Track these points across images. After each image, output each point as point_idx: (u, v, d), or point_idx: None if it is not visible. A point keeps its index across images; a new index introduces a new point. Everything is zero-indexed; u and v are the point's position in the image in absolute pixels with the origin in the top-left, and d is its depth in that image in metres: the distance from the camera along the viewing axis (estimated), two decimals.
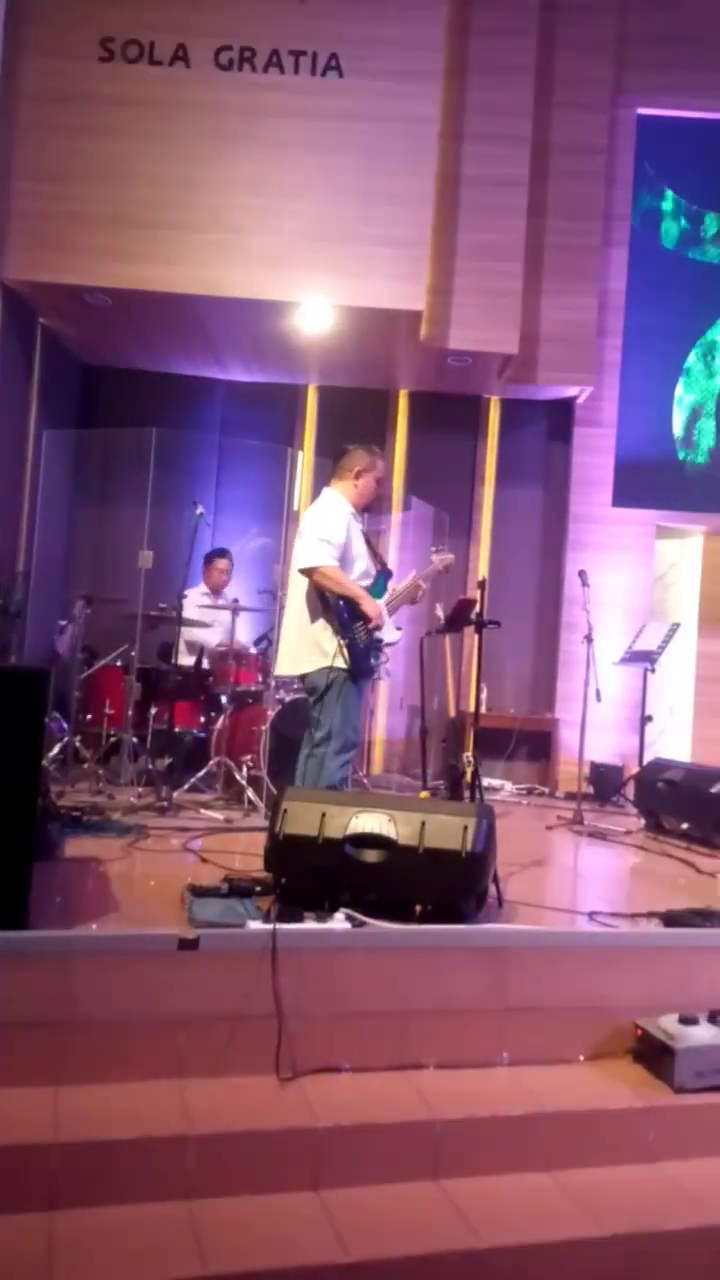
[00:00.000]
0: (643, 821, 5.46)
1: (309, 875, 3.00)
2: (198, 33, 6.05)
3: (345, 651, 3.87)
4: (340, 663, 3.89)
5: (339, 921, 2.81)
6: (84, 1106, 2.32)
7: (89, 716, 5.56)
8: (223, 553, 6.40)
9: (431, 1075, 2.65)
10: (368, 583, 4.08)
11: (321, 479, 4.32)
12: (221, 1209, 2.20)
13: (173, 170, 6.01)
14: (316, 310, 6.23)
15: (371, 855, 2.97)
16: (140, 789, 5.12)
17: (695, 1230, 2.32)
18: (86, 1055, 2.44)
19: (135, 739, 5.48)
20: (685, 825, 5.01)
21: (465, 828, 2.95)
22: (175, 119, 6.03)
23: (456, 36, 6.42)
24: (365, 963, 2.71)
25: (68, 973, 2.48)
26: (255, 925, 2.71)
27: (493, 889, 3.22)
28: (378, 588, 4.11)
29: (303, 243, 6.05)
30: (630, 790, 6.01)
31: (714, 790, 4.82)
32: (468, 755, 4.33)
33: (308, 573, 3.96)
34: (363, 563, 4.08)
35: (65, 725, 5.41)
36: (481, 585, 4.41)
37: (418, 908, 2.93)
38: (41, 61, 5.98)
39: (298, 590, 4.07)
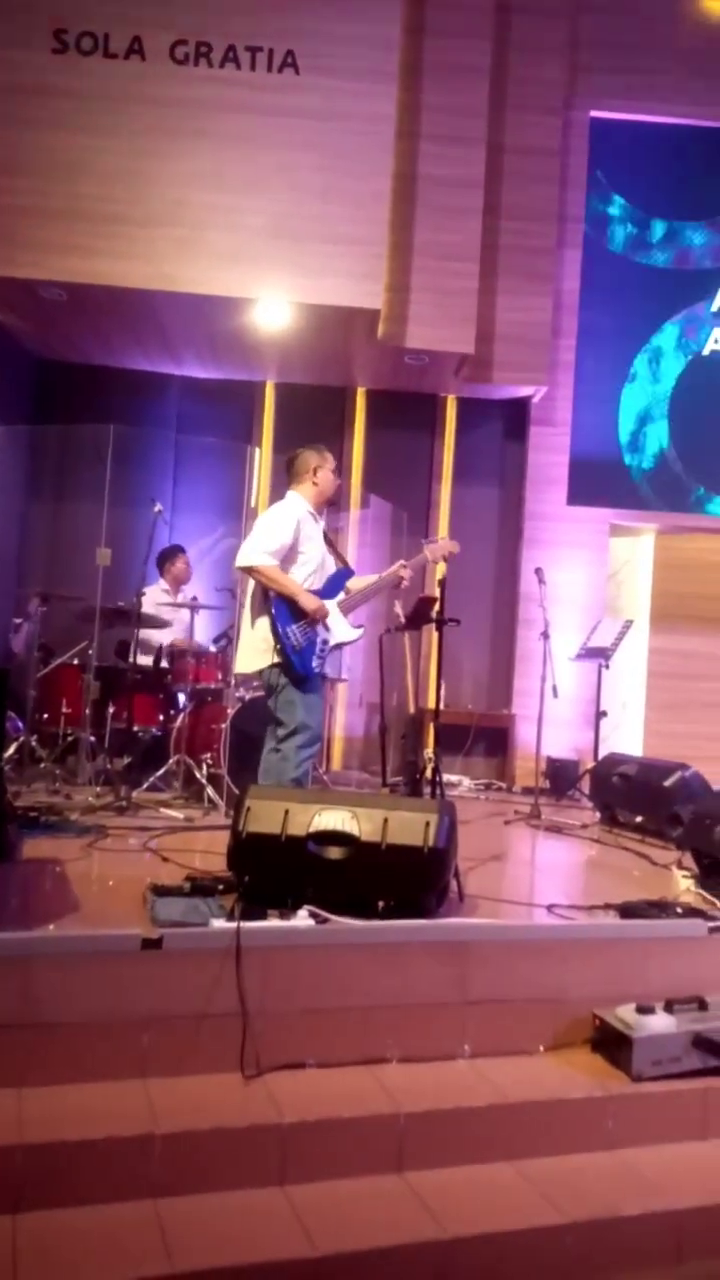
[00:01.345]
0: (598, 815, 5.55)
1: (272, 873, 3.01)
2: (153, 26, 6.01)
3: (279, 655, 3.90)
4: (280, 660, 3.92)
5: (302, 919, 2.83)
6: (48, 1108, 2.31)
7: (45, 715, 5.50)
8: (181, 549, 6.38)
9: (395, 1069, 2.67)
10: (319, 584, 4.08)
11: (280, 476, 4.33)
12: (188, 1207, 2.20)
13: (128, 164, 5.97)
14: (274, 307, 6.22)
15: (334, 852, 2.99)
16: (98, 788, 5.08)
17: (653, 1215, 2.38)
18: (50, 1056, 2.42)
19: (93, 738, 5.43)
20: (639, 818, 5.10)
21: (427, 824, 2.98)
22: (130, 112, 5.99)
23: (412, 36, 6.46)
24: (328, 959, 2.73)
25: (29, 974, 2.46)
26: (219, 924, 2.71)
27: (454, 884, 3.25)
28: (330, 587, 4.11)
29: (260, 239, 6.05)
30: (586, 784, 6.10)
31: (667, 784, 4.91)
32: (428, 752, 4.36)
33: (246, 571, 4.01)
34: (313, 563, 4.08)
35: (20, 724, 5.35)
36: (442, 584, 4.44)
37: (380, 904, 2.95)
38: None
39: (250, 590, 4.11)
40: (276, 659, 3.91)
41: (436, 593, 4.58)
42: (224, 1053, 2.53)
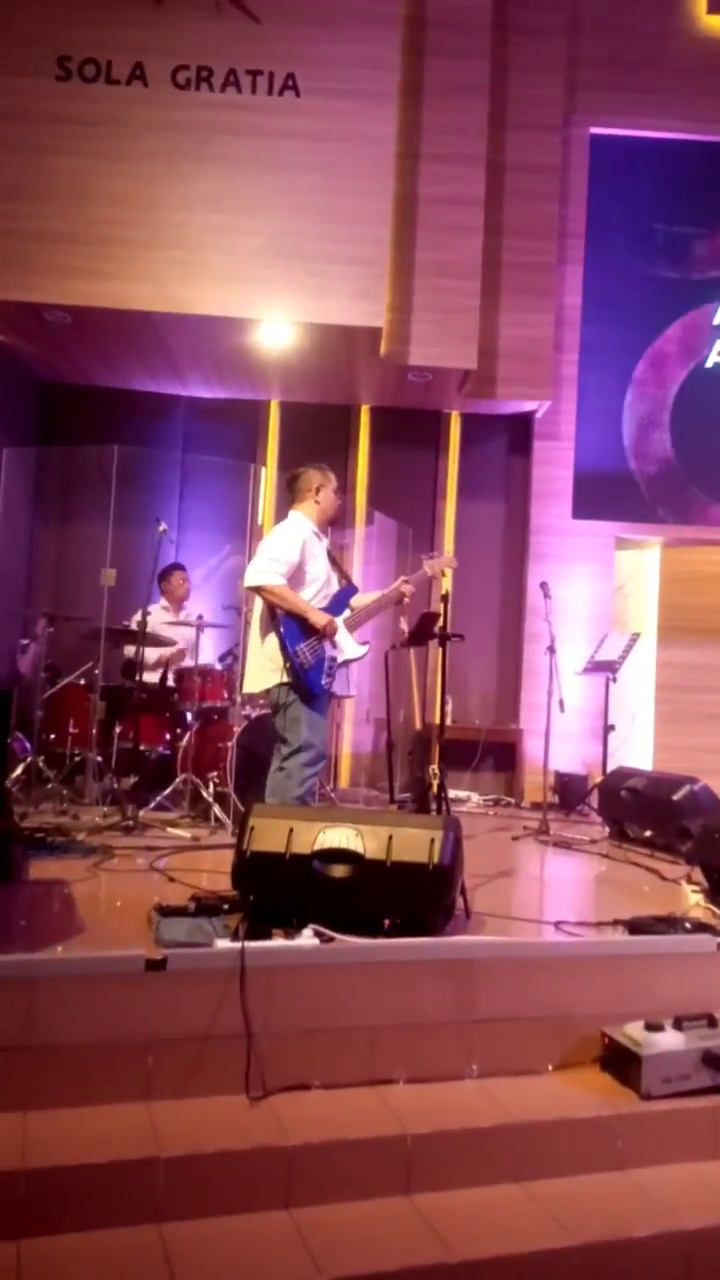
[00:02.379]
0: (607, 830, 5.52)
1: (277, 892, 3.00)
2: (155, 52, 6.08)
3: (288, 673, 3.90)
4: (289, 678, 3.93)
5: (307, 938, 2.81)
6: (52, 1132, 2.30)
7: (52, 736, 5.51)
8: (178, 566, 6.40)
9: (401, 1090, 2.65)
10: (325, 602, 4.10)
11: (285, 496, 4.36)
12: (193, 1231, 2.18)
13: (131, 188, 6.03)
14: (277, 327, 6.26)
15: (339, 870, 2.98)
16: (105, 808, 5.08)
17: (663, 1236, 2.34)
18: (54, 1080, 2.41)
19: (100, 758, 5.44)
20: (649, 833, 5.07)
21: (432, 840, 2.97)
22: (133, 137, 6.05)
23: (411, 57, 6.52)
24: (334, 979, 2.71)
25: (34, 996, 2.46)
26: (223, 944, 2.70)
27: (460, 901, 3.24)
28: (335, 605, 4.13)
29: (262, 260, 6.09)
30: (594, 799, 6.07)
31: (676, 797, 4.88)
32: (433, 768, 4.35)
33: (255, 591, 4.03)
34: (320, 582, 4.10)
35: (28, 745, 5.36)
36: (445, 599, 4.44)
37: (386, 922, 2.94)
38: None
39: (257, 608, 4.12)
40: (285, 678, 3.92)
41: (439, 608, 4.59)
42: (229, 1074, 2.52)
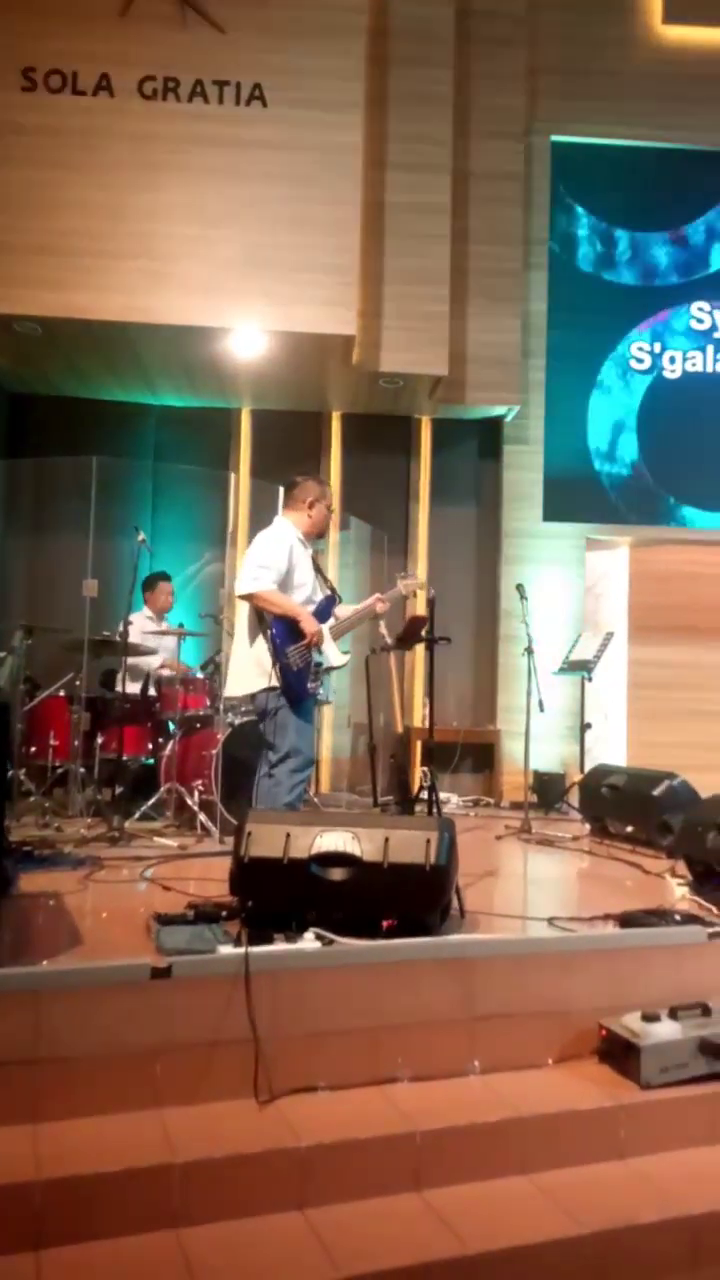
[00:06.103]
0: (588, 827, 5.59)
1: (276, 896, 3.01)
2: (120, 63, 6.09)
3: (277, 676, 3.93)
4: (276, 683, 3.96)
5: (308, 941, 2.84)
6: (64, 1142, 2.30)
7: (33, 749, 5.47)
8: (166, 575, 6.39)
9: (407, 1088, 2.68)
10: (310, 609, 4.14)
11: (258, 502, 4.41)
12: (209, 1235, 2.19)
13: (100, 199, 6.03)
14: (248, 335, 6.29)
15: (337, 873, 3.00)
16: (90, 820, 5.06)
17: (667, 1222, 2.39)
18: (63, 1090, 2.41)
19: (83, 769, 5.41)
20: (629, 828, 5.14)
21: (428, 841, 3.00)
22: (100, 148, 6.06)
23: (376, 67, 6.59)
24: (336, 981, 2.74)
25: (39, 1009, 2.45)
26: (226, 950, 2.71)
27: (455, 900, 3.28)
28: (321, 612, 4.17)
29: (232, 269, 6.12)
30: (573, 797, 6.15)
31: (656, 793, 4.96)
32: (425, 770, 4.41)
33: (246, 598, 4.05)
34: (306, 590, 4.14)
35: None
36: (431, 603, 4.51)
37: (384, 923, 2.96)
38: None
39: (243, 613, 4.15)
40: (272, 681, 3.94)
41: (425, 613, 4.65)
42: (237, 1079, 2.53)
